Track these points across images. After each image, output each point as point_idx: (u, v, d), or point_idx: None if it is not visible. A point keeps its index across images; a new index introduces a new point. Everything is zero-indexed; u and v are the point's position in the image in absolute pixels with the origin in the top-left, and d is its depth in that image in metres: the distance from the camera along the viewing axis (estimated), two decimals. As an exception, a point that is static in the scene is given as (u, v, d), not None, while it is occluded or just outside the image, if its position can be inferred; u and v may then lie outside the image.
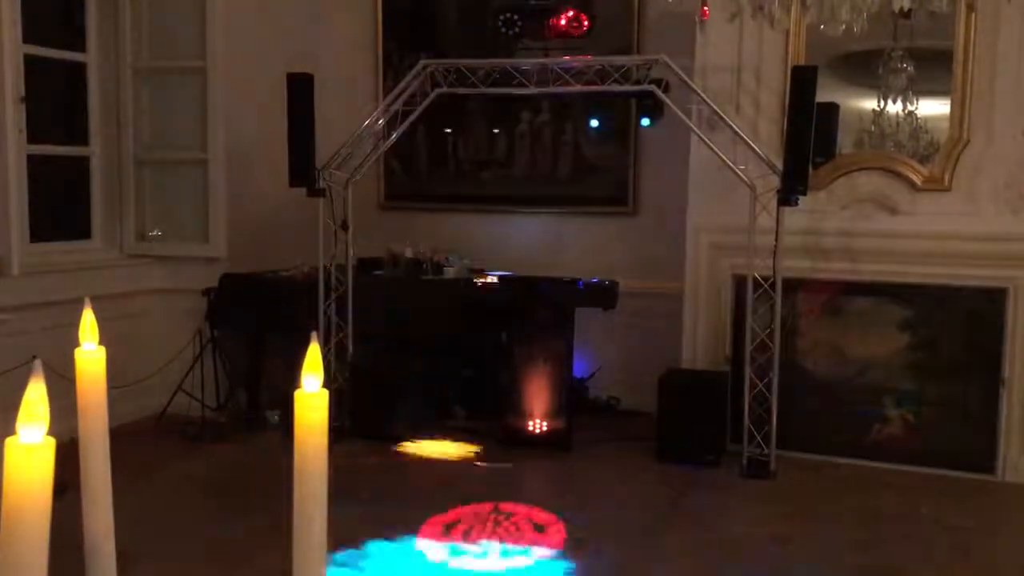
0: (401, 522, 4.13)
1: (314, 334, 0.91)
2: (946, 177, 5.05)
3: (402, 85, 5.52)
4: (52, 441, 0.69)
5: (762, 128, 5.31)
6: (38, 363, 0.67)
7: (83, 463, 0.98)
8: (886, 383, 5.19)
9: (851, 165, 5.25)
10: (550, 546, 3.96)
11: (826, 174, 5.20)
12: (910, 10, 4.91)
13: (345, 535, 3.85)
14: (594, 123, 6.04)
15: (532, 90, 5.29)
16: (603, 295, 5.48)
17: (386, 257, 6.12)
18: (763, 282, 5.00)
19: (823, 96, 4.79)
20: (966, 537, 4.21)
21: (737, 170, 4.97)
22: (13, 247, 5.01)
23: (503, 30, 6.44)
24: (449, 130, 6.74)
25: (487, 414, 5.69)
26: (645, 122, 5.46)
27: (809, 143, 4.70)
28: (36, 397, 0.66)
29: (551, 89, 5.26)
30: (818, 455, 5.21)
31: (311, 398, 0.86)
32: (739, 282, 5.28)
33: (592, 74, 5.18)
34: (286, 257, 6.05)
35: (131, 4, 5.79)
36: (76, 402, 1.05)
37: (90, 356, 0.99)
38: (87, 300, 1.03)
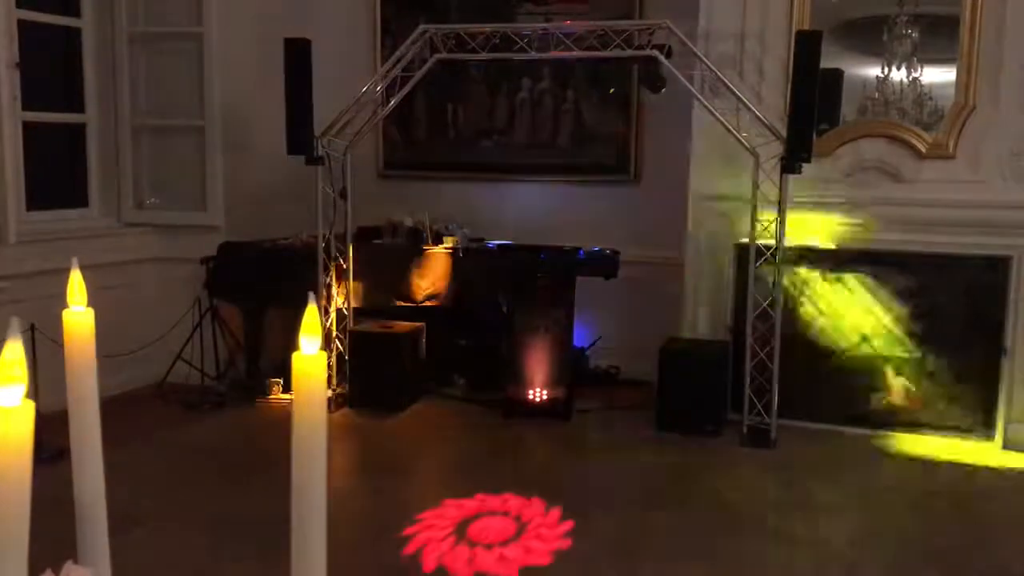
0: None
1: (312, 295, 0.88)
2: (951, 144, 5.00)
3: (401, 51, 5.44)
4: (31, 404, 0.65)
5: (766, 95, 5.25)
6: (15, 322, 0.64)
7: (72, 426, 0.95)
8: (888, 352, 5.18)
9: (855, 132, 5.19)
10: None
11: (830, 141, 5.15)
12: (917, -26, 4.84)
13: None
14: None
15: (533, 55, 5.22)
16: (604, 264, 5.44)
17: (385, 226, 6.07)
18: (765, 250, 4.96)
19: (827, 63, 4.73)
20: (965, 504, 4.21)
21: (740, 137, 4.92)
22: (9, 215, 4.98)
23: (503, -6, 6.35)
24: (448, 97, 6.67)
25: (487, 383, 5.69)
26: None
27: (814, 109, 4.64)
28: (14, 358, 0.63)
29: (552, 55, 5.19)
30: (819, 424, 5.21)
31: (309, 360, 0.83)
32: (741, 250, 5.25)
33: (594, 39, 5.11)
34: (285, 225, 6.01)
35: (126, -32, 5.71)
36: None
37: (78, 317, 0.96)
38: (74, 261, 1.00)
